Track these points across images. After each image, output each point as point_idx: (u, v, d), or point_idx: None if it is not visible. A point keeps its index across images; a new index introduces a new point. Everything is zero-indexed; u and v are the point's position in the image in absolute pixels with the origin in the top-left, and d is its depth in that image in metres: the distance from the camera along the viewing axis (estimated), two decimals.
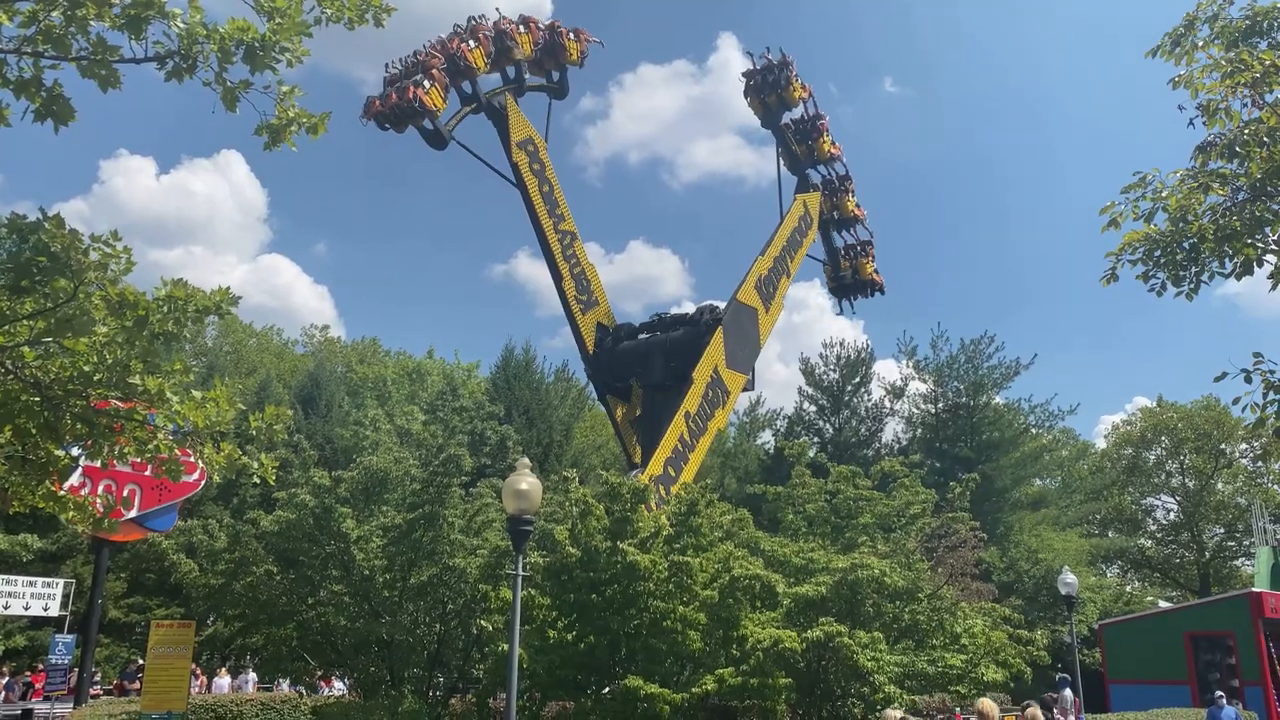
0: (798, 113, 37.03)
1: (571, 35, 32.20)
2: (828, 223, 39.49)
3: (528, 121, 30.53)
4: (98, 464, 7.92)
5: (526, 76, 32.05)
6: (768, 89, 35.56)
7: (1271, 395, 8.04)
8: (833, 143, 37.95)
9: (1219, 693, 20.57)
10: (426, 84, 27.28)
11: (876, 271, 40.30)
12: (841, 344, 49.43)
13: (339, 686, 24.85)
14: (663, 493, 25.13)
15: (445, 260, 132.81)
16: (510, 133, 29.80)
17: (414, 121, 27.67)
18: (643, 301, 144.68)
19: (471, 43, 28.58)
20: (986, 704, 12.97)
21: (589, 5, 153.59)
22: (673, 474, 27.52)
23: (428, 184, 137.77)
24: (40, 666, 28.16)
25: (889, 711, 13.48)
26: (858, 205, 39.88)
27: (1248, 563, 55.36)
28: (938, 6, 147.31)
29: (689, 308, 39.25)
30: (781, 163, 37.75)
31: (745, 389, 34.55)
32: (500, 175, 31.05)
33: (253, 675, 27.43)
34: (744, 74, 36.48)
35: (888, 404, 48.14)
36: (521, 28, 31.00)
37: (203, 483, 21.82)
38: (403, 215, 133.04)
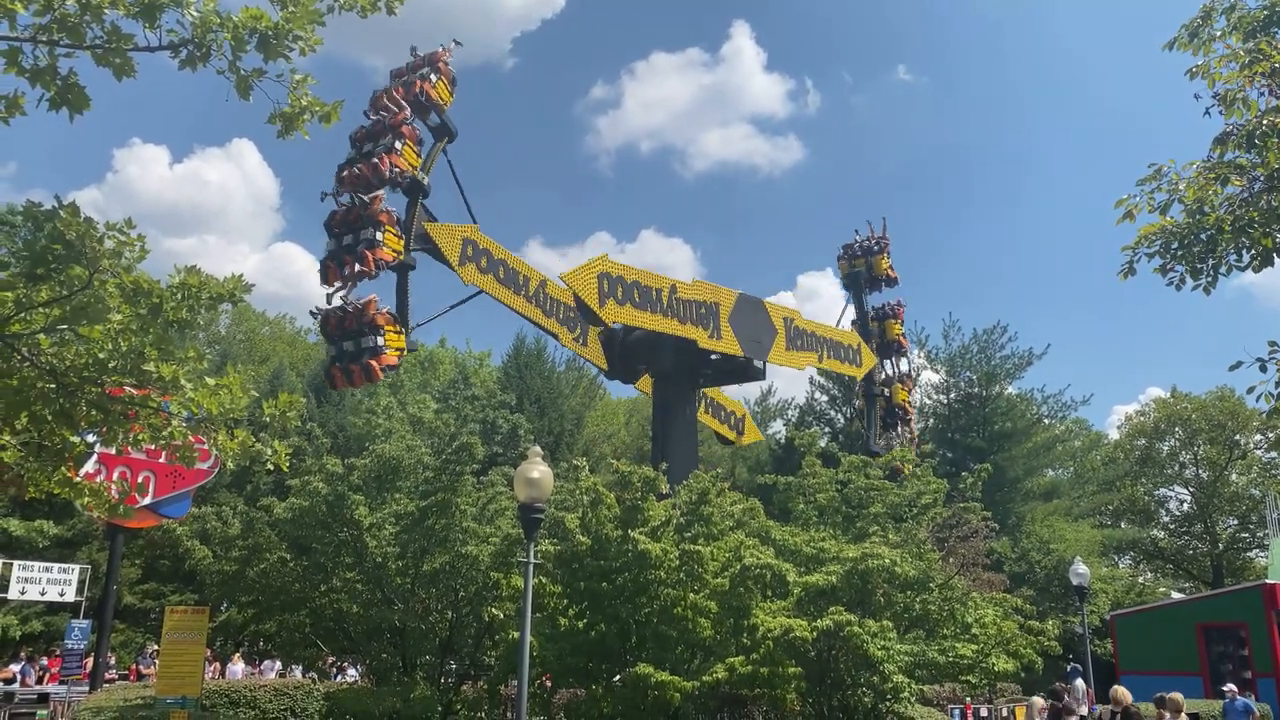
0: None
1: (431, 77, 26.70)
2: (859, 278, 40.23)
3: (453, 228, 27.12)
4: (113, 450, 7.98)
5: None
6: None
7: None
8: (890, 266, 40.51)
9: (1229, 686, 20.51)
10: (399, 145, 25.19)
11: (903, 336, 40.63)
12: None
13: (352, 673, 25.04)
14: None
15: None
16: (447, 257, 26.89)
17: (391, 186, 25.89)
18: None
19: (433, 76, 26.26)
20: (1120, 691, 13.63)
21: None
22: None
23: (437, 172, 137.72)
24: (56, 651, 28.48)
25: (1035, 699, 13.91)
26: (891, 267, 40.47)
27: (1261, 554, 55.16)
28: None
29: None
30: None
31: (753, 378, 34.65)
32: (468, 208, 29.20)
33: (277, 664, 27.64)
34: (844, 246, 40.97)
35: None
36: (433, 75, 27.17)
37: (216, 470, 22.00)
38: None
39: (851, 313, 40.06)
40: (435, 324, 27.74)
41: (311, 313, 25.79)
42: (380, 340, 24.44)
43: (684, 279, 30.13)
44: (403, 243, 25.41)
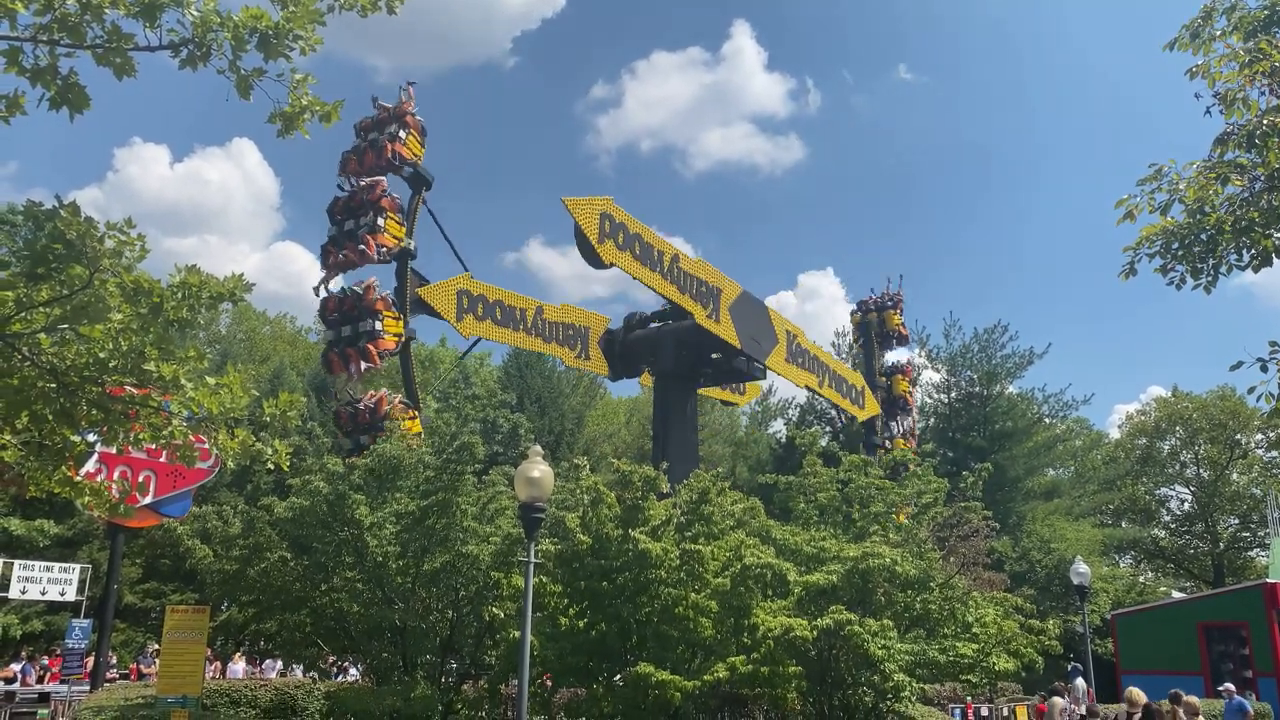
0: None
1: (400, 134, 25.81)
2: (870, 328, 41.54)
3: (446, 285, 26.51)
4: (113, 450, 7.98)
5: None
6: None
7: None
8: (901, 323, 42.17)
9: (1226, 685, 20.52)
10: (381, 221, 24.67)
11: (910, 392, 41.77)
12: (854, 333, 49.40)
13: (353, 672, 25.04)
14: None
15: (457, 247, 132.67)
16: (444, 317, 26.48)
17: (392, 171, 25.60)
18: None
19: (402, 134, 25.64)
20: (1135, 693, 13.67)
21: None
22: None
23: (438, 171, 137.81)
24: (57, 651, 28.48)
25: (1056, 700, 13.98)
26: (903, 324, 41.83)
27: (1262, 554, 55.16)
28: None
29: None
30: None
31: (754, 377, 34.71)
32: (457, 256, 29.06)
33: (278, 664, 27.64)
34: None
35: None
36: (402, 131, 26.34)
37: (217, 469, 21.98)
38: None
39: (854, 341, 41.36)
40: (435, 324, 27.37)
41: (315, 289, 25.77)
42: (378, 325, 24.33)
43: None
44: (405, 229, 25.41)
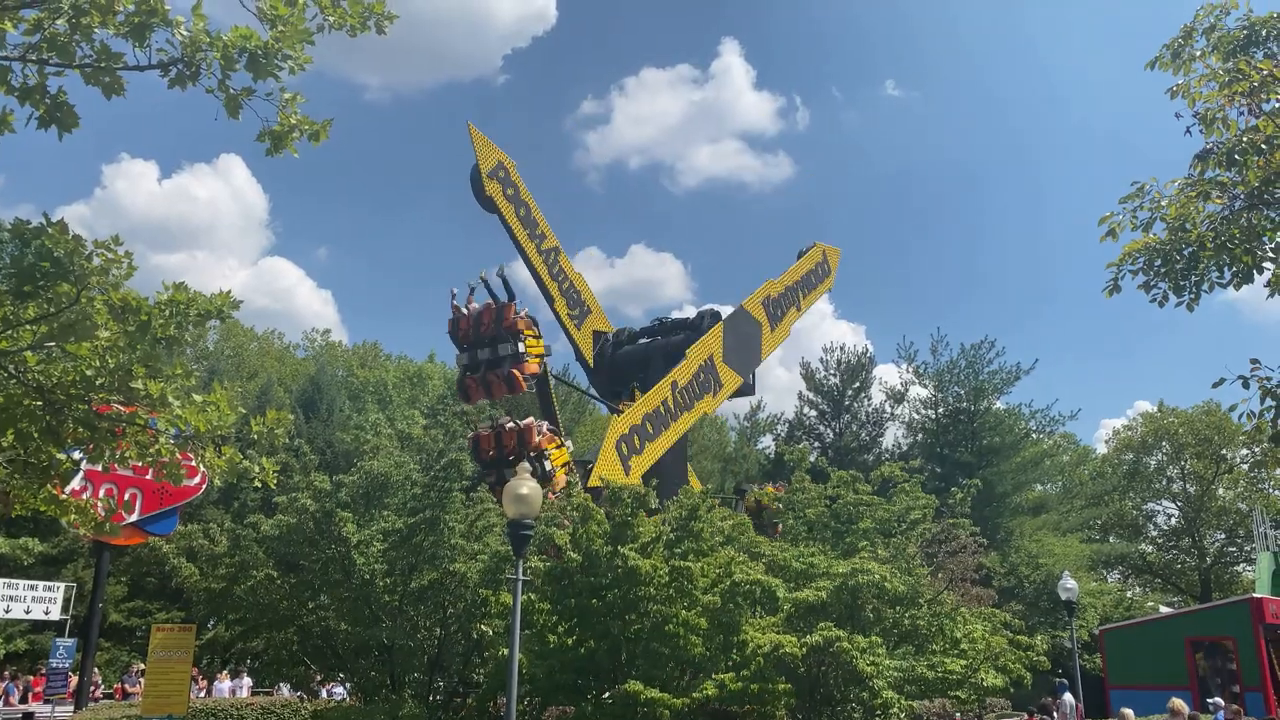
0: None
1: (520, 348, 24.31)
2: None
3: (494, 145, 27.44)
4: (99, 468, 7.96)
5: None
6: None
7: (1269, 401, 8.08)
8: None
9: (1215, 699, 20.58)
10: (522, 349, 23.46)
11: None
12: (842, 349, 49.62)
13: (339, 691, 24.87)
14: (613, 458, 24.55)
15: (446, 263, 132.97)
16: (479, 163, 26.55)
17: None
18: (644, 305, 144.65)
19: (521, 347, 23.89)
20: (1177, 703, 13.66)
21: (592, 9, 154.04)
22: (637, 444, 26.01)
23: (429, 187, 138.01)
24: (41, 670, 28.20)
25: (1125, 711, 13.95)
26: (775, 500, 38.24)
27: (1249, 568, 55.31)
28: (940, 10, 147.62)
29: (690, 312, 39.09)
30: None
31: (743, 393, 34.49)
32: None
33: (247, 680, 27.45)
34: None
35: (888, 409, 48.31)
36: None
37: (204, 487, 21.90)
38: (404, 219, 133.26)
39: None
40: (425, 338, 27.31)
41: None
42: (521, 347, 22.84)
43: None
44: (542, 343, 24.17)
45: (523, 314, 23.26)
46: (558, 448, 23.31)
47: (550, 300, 29.78)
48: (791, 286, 34.43)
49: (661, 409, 27.47)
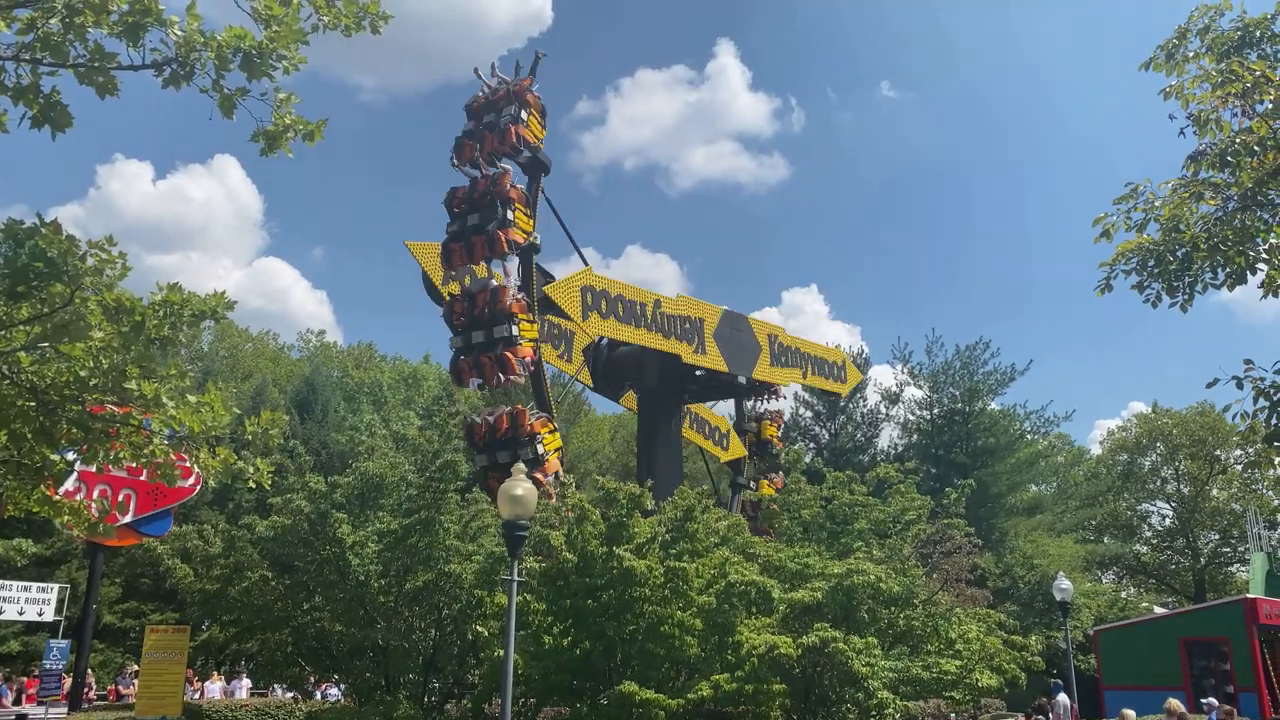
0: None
1: (521, 115, 24.73)
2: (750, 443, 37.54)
3: (570, 280, 25.69)
4: (93, 469, 7.95)
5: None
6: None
7: (1261, 402, 8.09)
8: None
9: (1209, 700, 20.64)
10: (510, 215, 23.48)
11: (778, 437, 38.00)
12: (837, 349, 49.53)
13: (334, 693, 24.83)
14: (575, 295, 24.65)
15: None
16: (571, 315, 25.43)
17: (515, 159, 24.21)
18: None
19: (524, 115, 24.42)
20: (1174, 703, 13.65)
21: (588, 10, 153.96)
22: (603, 308, 25.91)
23: (424, 187, 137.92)
24: (35, 672, 28.11)
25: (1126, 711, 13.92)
26: (777, 435, 38.16)
27: (1243, 569, 55.47)
28: (934, 12, 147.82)
29: None
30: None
31: (737, 394, 34.51)
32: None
33: (246, 681, 27.39)
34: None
35: (883, 410, 48.39)
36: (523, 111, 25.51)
37: (198, 488, 21.81)
38: (399, 220, 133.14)
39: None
40: (420, 339, 27.23)
41: (437, 288, 24.26)
42: (515, 330, 22.69)
43: (669, 294, 30.01)
44: (532, 222, 24.00)
45: (518, 298, 23.20)
46: (550, 432, 23.24)
47: (677, 355, 29.01)
48: (801, 353, 34.51)
49: (638, 309, 27.28)
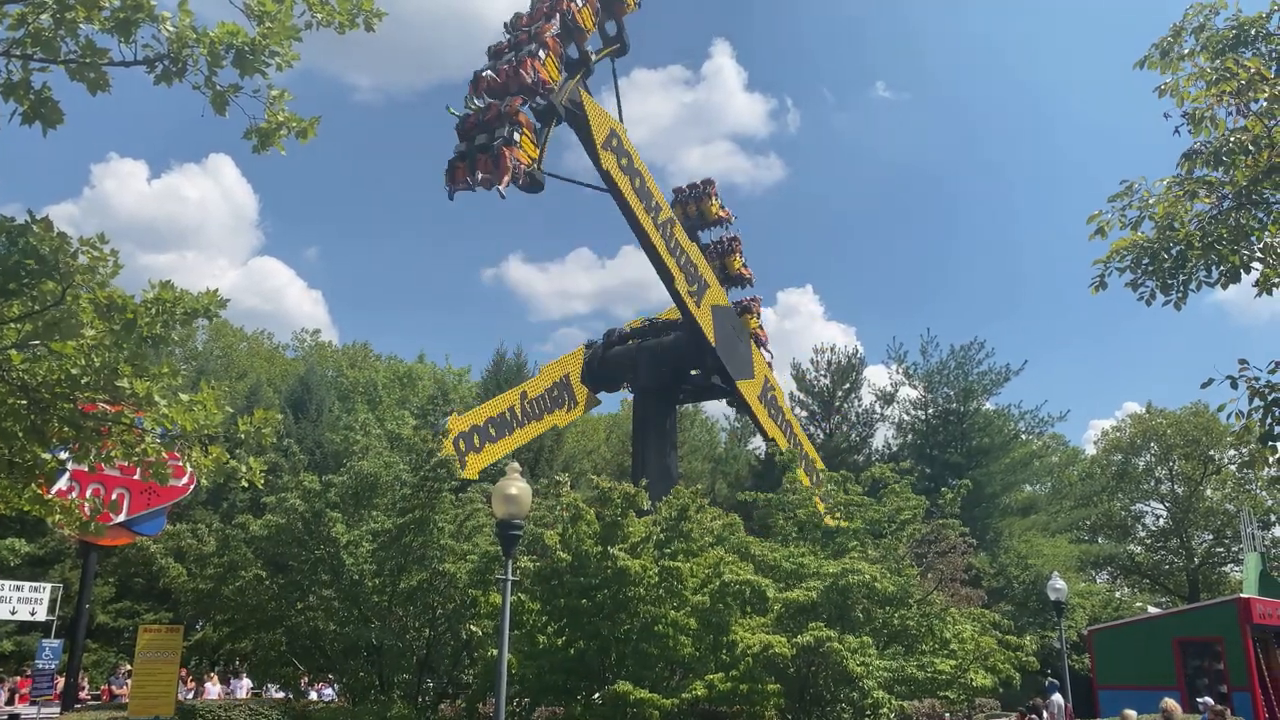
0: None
1: (540, 54, 25.83)
2: (692, 225, 36.20)
3: (606, 113, 26.84)
4: (85, 467, 7.89)
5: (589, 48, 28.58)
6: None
7: (1256, 402, 8.09)
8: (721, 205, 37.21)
9: (1204, 699, 20.67)
10: (542, 54, 24.19)
11: (745, 266, 36.83)
12: (832, 349, 49.62)
13: (328, 692, 24.78)
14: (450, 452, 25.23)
15: (437, 264, 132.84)
16: (593, 134, 25.94)
17: (526, 97, 24.38)
18: (635, 306, 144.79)
19: (542, 54, 24.95)
20: (1170, 703, 13.62)
21: None
22: (476, 443, 26.15)
23: (420, 188, 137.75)
24: (27, 671, 28.01)
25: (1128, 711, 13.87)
26: (723, 207, 37.07)
27: (1236, 569, 55.57)
28: (931, 13, 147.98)
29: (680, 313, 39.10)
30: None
31: (731, 398, 34.53)
32: (590, 187, 28.44)
33: (246, 681, 27.31)
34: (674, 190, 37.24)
35: (878, 410, 48.42)
36: None
37: (191, 487, 21.73)
38: (394, 220, 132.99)
39: None
40: (415, 339, 27.23)
41: (449, 109, 24.49)
42: (516, 135, 22.92)
43: (665, 294, 30.02)
44: (538, 151, 24.13)
45: (525, 110, 23.65)
46: (532, 142, 23.63)
47: (669, 280, 28.79)
48: (795, 434, 35.19)
49: (507, 415, 27.72)
